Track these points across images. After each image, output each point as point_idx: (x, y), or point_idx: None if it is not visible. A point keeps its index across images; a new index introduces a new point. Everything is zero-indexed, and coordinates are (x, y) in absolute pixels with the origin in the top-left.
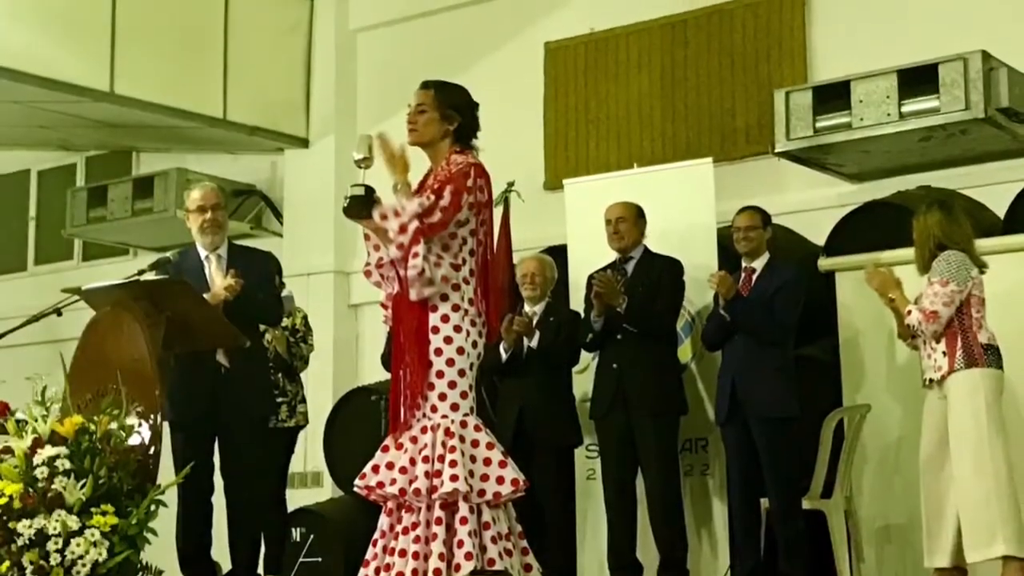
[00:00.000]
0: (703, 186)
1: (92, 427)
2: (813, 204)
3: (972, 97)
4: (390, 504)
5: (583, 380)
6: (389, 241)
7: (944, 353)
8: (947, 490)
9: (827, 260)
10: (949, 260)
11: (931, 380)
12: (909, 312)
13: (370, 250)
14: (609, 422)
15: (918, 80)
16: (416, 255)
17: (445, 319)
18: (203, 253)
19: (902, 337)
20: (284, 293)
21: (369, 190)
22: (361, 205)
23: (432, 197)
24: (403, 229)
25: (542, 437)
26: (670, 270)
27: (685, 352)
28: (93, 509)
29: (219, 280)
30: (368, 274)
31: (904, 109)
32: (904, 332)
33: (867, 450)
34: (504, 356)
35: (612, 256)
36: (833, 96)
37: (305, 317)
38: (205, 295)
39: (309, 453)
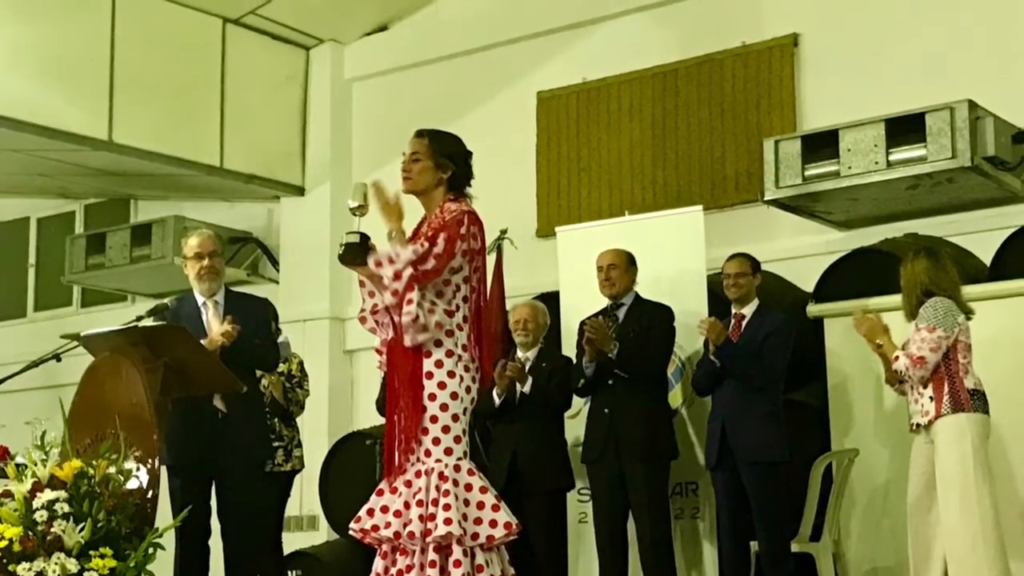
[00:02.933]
0: (693, 233)
1: (91, 471)
2: (802, 251)
3: (959, 146)
4: (385, 547)
5: (575, 425)
6: (384, 288)
7: (931, 398)
8: (934, 533)
9: (816, 306)
10: (936, 306)
11: (918, 425)
12: (897, 358)
13: (365, 296)
14: (601, 466)
15: (905, 129)
16: (410, 301)
17: (439, 364)
18: (200, 299)
19: (890, 382)
20: (280, 339)
21: (364, 237)
22: (356, 252)
23: (426, 244)
24: (397, 276)
25: (535, 481)
26: (661, 316)
27: (676, 397)
28: (92, 552)
29: (216, 326)
30: (363, 320)
31: (891, 157)
32: (892, 377)
33: (855, 493)
34: (497, 401)
35: (604, 302)
36: (821, 145)
37: (301, 363)
38: (202, 341)
39: (305, 497)
